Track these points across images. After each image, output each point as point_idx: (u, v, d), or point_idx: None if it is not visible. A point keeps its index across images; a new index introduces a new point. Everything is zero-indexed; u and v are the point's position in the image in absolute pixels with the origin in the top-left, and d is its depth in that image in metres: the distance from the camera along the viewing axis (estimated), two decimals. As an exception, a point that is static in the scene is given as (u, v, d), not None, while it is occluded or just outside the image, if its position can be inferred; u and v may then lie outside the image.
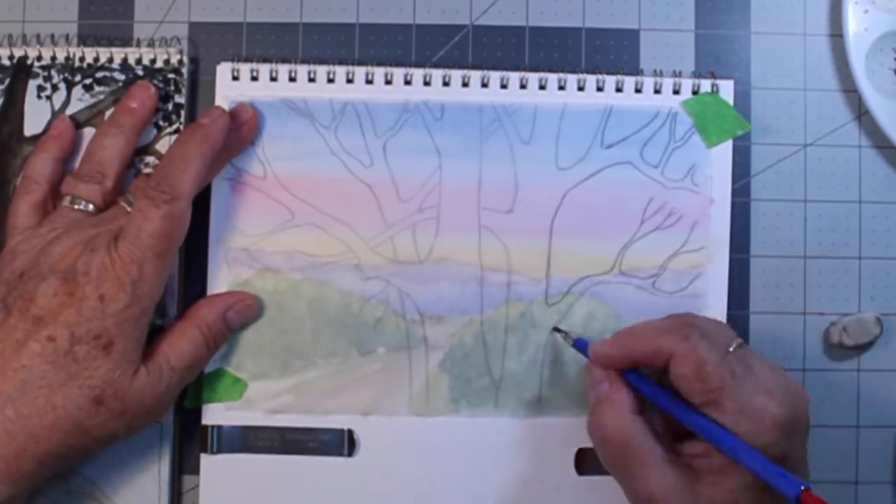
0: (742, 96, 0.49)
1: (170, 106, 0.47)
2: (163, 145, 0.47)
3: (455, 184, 0.47)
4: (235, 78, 0.47)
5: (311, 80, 0.47)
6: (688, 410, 0.39)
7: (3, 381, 0.39)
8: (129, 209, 0.42)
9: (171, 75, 0.47)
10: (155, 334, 0.43)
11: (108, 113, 0.47)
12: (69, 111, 0.47)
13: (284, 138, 0.47)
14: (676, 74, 0.49)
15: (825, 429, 0.48)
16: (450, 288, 0.47)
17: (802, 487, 0.35)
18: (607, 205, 0.47)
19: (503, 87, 0.48)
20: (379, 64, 0.47)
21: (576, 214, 0.47)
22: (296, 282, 0.47)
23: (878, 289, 0.49)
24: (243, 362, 0.46)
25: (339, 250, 0.47)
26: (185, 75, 0.47)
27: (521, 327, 0.47)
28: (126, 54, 0.47)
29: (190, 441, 0.47)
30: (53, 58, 0.47)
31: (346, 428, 0.46)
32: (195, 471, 0.46)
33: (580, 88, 0.48)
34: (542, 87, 0.48)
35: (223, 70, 0.47)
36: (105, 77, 0.47)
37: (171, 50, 0.47)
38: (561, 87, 0.48)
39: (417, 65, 0.48)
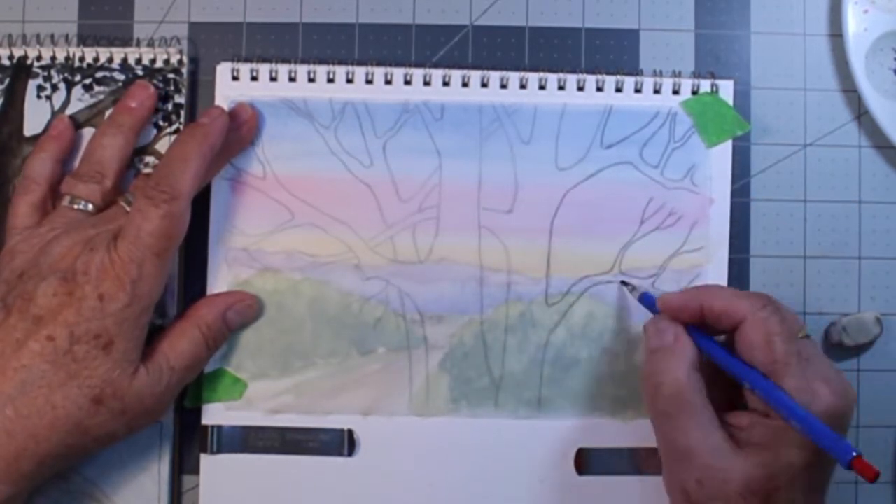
0: (742, 96, 0.49)
1: (170, 106, 0.47)
2: (163, 145, 0.47)
3: (455, 184, 0.47)
4: (235, 78, 0.47)
5: (311, 80, 0.47)
6: (751, 370, 0.39)
7: (2, 381, 0.39)
8: (128, 209, 0.42)
9: (170, 75, 0.47)
10: (155, 334, 0.43)
11: (107, 113, 0.47)
12: (69, 111, 0.47)
13: (284, 138, 0.47)
14: (676, 74, 0.49)
15: (825, 429, 0.48)
16: (450, 288, 0.47)
17: (854, 454, 0.35)
18: (607, 205, 0.47)
19: (503, 87, 0.48)
20: (379, 64, 0.47)
21: (576, 214, 0.47)
22: (296, 282, 0.47)
23: (878, 289, 0.49)
24: (243, 362, 0.46)
25: (339, 250, 0.47)
26: (185, 75, 0.47)
27: (521, 327, 0.47)
28: (126, 54, 0.47)
29: (190, 441, 0.47)
30: (53, 58, 0.47)
31: (346, 428, 0.46)
32: (195, 471, 0.46)
33: (580, 88, 0.48)
34: (541, 87, 0.48)
35: (223, 70, 0.47)
36: (105, 77, 0.47)
37: (171, 50, 0.47)
38: (561, 87, 0.48)
39: (417, 65, 0.48)
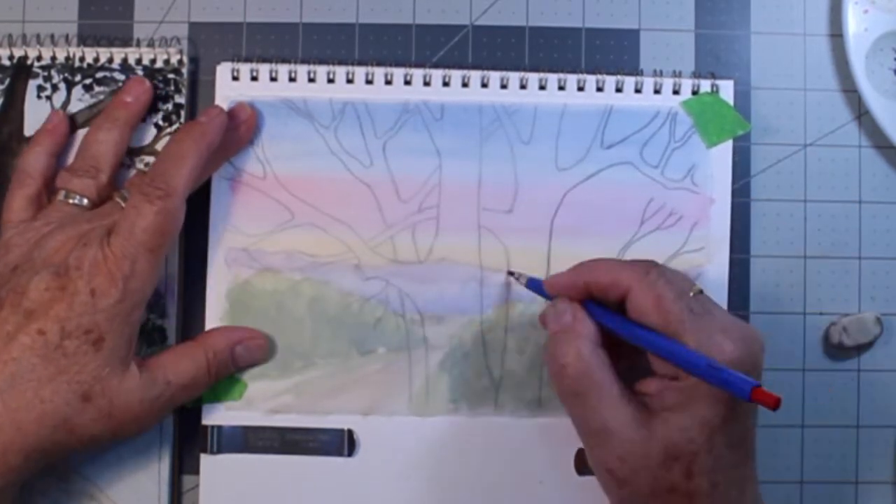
0: (742, 96, 0.49)
1: (170, 106, 0.47)
2: (162, 145, 0.47)
3: (455, 184, 0.47)
4: (235, 78, 0.47)
5: (311, 80, 0.47)
6: (649, 332, 0.39)
7: None
8: (123, 205, 0.42)
9: (171, 75, 0.47)
10: (162, 351, 0.44)
11: (107, 113, 0.47)
12: (69, 111, 0.47)
13: (284, 138, 0.47)
14: (676, 74, 0.49)
15: (825, 429, 0.48)
16: (450, 288, 0.47)
17: (754, 384, 0.35)
18: (607, 205, 0.47)
19: (503, 87, 0.48)
20: (379, 64, 0.47)
21: (576, 215, 0.47)
22: (296, 282, 0.47)
23: (878, 289, 0.49)
24: (243, 362, 0.46)
25: (339, 250, 0.47)
26: (185, 75, 0.47)
27: (521, 327, 0.47)
28: (126, 54, 0.47)
29: (190, 441, 0.47)
30: (53, 58, 0.47)
31: (346, 428, 0.46)
32: (195, 471, 0.46)
33: (580, 88, 0.48)
34: (542, 88, 0.48)
35: (223, 70, 0.47)
36: (105, 77, 0.47)
37: (171, 50, 0.47)
38: (561, 88, 0.48)
39: (417, 65, 0.48)
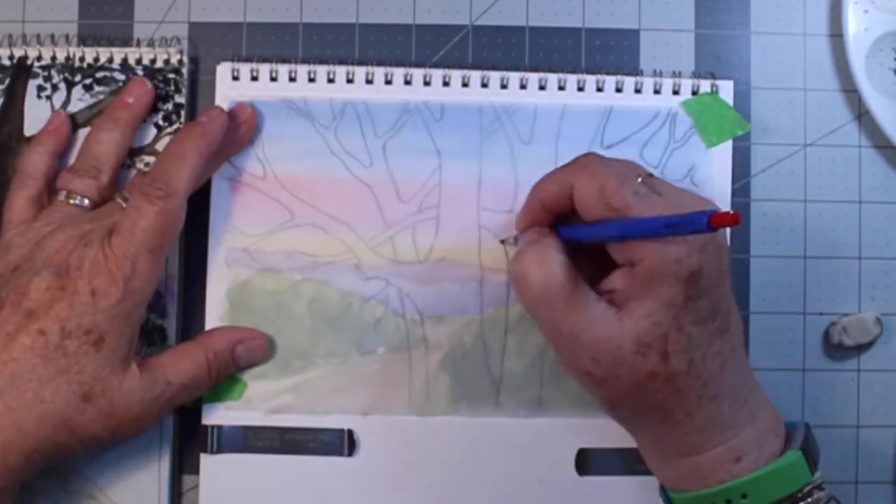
0: (742, 96, 0.49)
1: (170, 106, 0.47)
2: (163, 146, 0.47)
3: (455, 184, 0.47)
4: (235, 78, 0.47)
5: (311, 80, 0.47)
6: (604, 222, 0.39)
7: None
8: (124, 205, 0.42)
9: (171, 75, 0.47)
10: (162, 351, 0.43)
11: (108, 113, 0.47)
12: (69, 111, 0.47)
13: (284, 138, 0.47)
14: (676, 75, 0.49)
15: (825, 429, 0.48)
16: (450, 288, 0.47)
17: (707, 214, 0.34)
18: (607, 205, 0.47)
19: (503, 87, 0.48)
20: (379, 64, 0.47)
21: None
22: (296, 282, 0.47)
23: (878, 289, 0.49)
24: (243, 362, 0.46)
25: (339, 250, 0.47)
26: (185, 75, 0.47)
27: (520, 327, 0.47)
28: (126, 54, 0.47)
29: (190, 441, 0.47)
30: (53, 58, 0.47)
31: (346, 428, 0.46)
32: (195, 471, 0.46)
33: (580, 89, 0.48)
34: (542, 88, 0.48)
35: (223, 70, 0.47)
36: (105, 77, 0.47)
37: (171, 50, 0.47)
38: (561, 88, 0.48)
39: (417, 65, 0.48)
